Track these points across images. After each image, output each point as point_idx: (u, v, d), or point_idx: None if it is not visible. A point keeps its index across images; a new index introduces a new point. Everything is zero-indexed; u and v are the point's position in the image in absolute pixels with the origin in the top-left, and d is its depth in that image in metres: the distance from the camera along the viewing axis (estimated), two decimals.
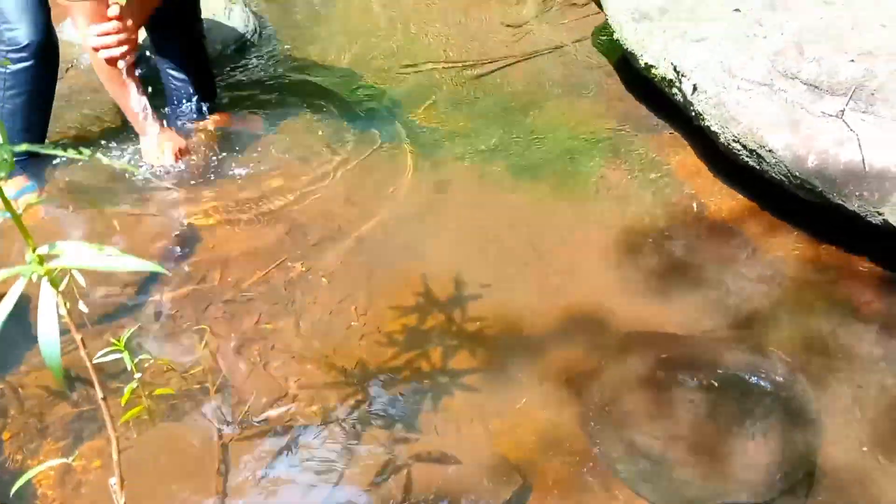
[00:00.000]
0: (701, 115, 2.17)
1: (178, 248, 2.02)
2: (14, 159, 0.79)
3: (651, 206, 2.14)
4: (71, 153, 0.81)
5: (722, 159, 2.20)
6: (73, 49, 2.70)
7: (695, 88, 2.17)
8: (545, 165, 2.32)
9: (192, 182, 2.21)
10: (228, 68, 2.83)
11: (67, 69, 2.69)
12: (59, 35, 2.17)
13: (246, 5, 3.13)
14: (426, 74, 2.80)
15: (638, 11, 2.44)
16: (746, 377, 1.60)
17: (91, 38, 1.98)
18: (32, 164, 2.20)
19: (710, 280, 1.88)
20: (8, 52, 2.03)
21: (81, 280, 0.90)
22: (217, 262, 1.95)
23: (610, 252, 1.98)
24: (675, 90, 2.30)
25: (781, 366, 1.63)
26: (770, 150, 1.94)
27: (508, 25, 3.14)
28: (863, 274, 1.87)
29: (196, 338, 1.73)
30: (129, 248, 2.00)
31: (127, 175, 2.20)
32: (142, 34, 2.55)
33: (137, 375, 1.35)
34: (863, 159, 1.78)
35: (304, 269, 1.93)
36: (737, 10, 2.22)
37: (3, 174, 0.76)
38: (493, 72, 2.81)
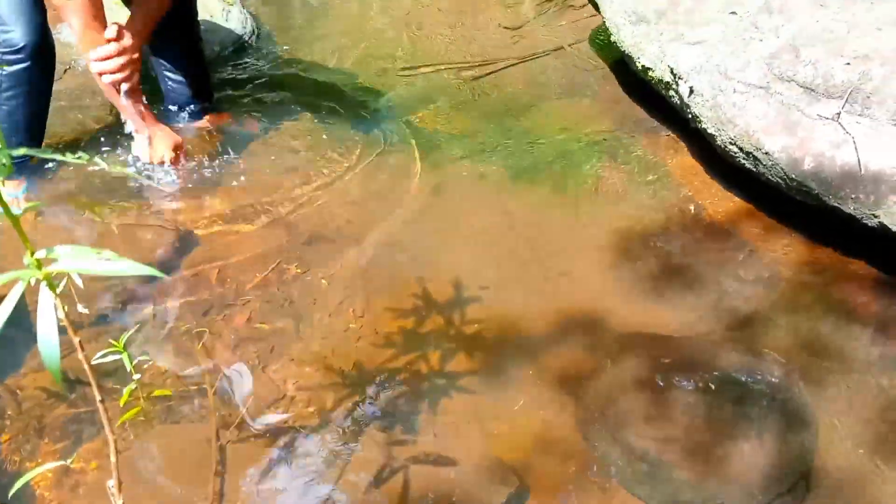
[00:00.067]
0: (698, 117, 2.18)
1: (176, 251, 2.02)
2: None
3: (649, 207, 2.14)
4: (69, 157, 0.82)
5: (719, 161, 2.21)
6: (70, 50, 2.70)
7: (691, 91, 2.18)
8: (543, 167, 2.33)
9: (190, 184, 2.21)
10: (226, 70, 2.83)
11: (65, 70, 2.69)
12: (55, 36, 2.17)
13: (244, 7, 3.14)
14: (424, 76, 2.81)
15: (635, 14, 2.45)
16: (743, 379, 1.61)
17: (92, 65, 1.97)
18: (29, 167, 2.20)
19: (708, 282, 1.89)
20: (4, 53, 2.03)
21: (79, 282, 0.90)
22: (215, 265, 1.95)
23: (607, 254, 1.99)
24: (672, 93, 2.31)
25: (778, 368, 1.64)
26: (766, 153, 1.94)
27: (507, 27, 3.14)
28: (859, 276, 1.87)
29: (194, 339, 1.73)
30: (127, 250, 2.00)
31: (124, 178, 2.20)
32: None
33: (136, 377, 1.36)
34: (858, 162, 1.79)
35: (301, 271, 1.93)
36: (733, 13, 2.23)
37: (0, 178, 0.77)
38: (491, 73, 2.81)
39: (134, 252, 1.99)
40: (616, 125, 2.50)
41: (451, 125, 2.53)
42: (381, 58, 2.94)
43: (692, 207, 2.14)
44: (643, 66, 2.41)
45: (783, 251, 1.96)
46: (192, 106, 2.43)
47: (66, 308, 0.83)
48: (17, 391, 1.61)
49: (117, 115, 2.23)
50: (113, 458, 0.98)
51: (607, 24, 2.61)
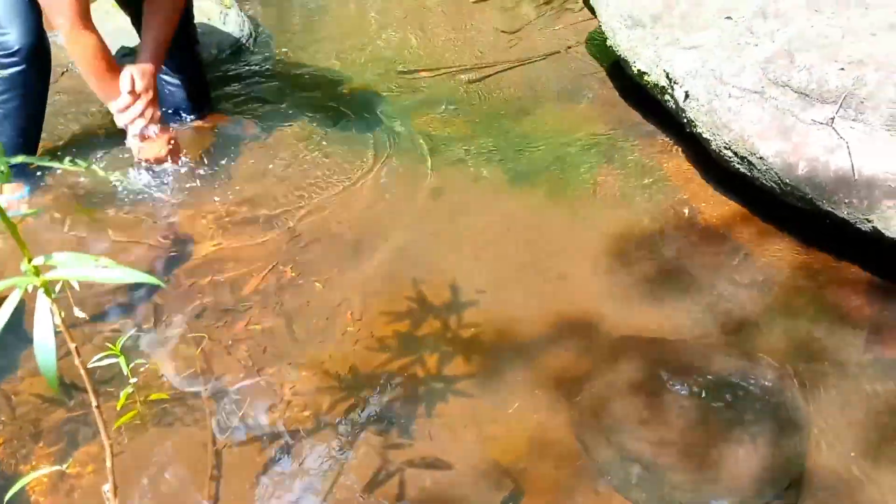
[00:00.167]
0: (693, 122, 2.19)
1: (173, 255, 2.02)
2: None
3: (644, 211, 2.15)
4: (67, 165, 0.82)
5: (714, 165, 2.22)
6: (66, 53, 2.70)
7: (687, 95, 2.19)
8: (539, 171, 2.33)
9: (187, 187, 2.21)
10: (223, 72, 2.83)
11: (62, 73, 2.69)
12: (51, 39, 2.17)
13: (241, 10, 3.14)
14: (421, 80, 2.81)
15: (631, 18, 2.46)
16: (737, 382, 1.61)
17: (117, 118, 2.03)
18: (28, 170, 2.20)
19: (702, 285, 1.90)
20: None
21: (76, 285, 0.91)
22: (211, 268, 1.95)
23: (603, 257, 1.99)
24: (667, 97, 2.32)
25: (771, 371, 1.65)
26: (761, 158, 1.95)
27: (504, 31, 3.15)
28: (852, 280, 1.88)
29: (190, 343, 1.73)
30: (123, 254, 2.00)
31: (121, 184, 2.20)
32: (134, 38, 2.57)
33: (133, 380, 1.36)
34: (852, 167, 1.80)
35: (297, 274, 1.94)
36: (728, 17, 2.24)
37: None
38: (488, 77, 2.82)
39: (131, 256, 1.99)
40: (612, 129, 2.51)
41: (449, 128, 2.54)
42: (379, 61, 2.95)
43: (687, 211, 2.15)
44: (639, 70, 2.42)
45: (777, 255, 1.97)
46: (189, 109, 2.43)
47: (62, 314, 0.84)
48: (13, 395, 1.61)
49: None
50: (109, 463, 0.98)
51: (603, 28, 2.62)
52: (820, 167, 1.84)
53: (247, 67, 2.89)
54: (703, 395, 1.59)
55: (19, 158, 0.83)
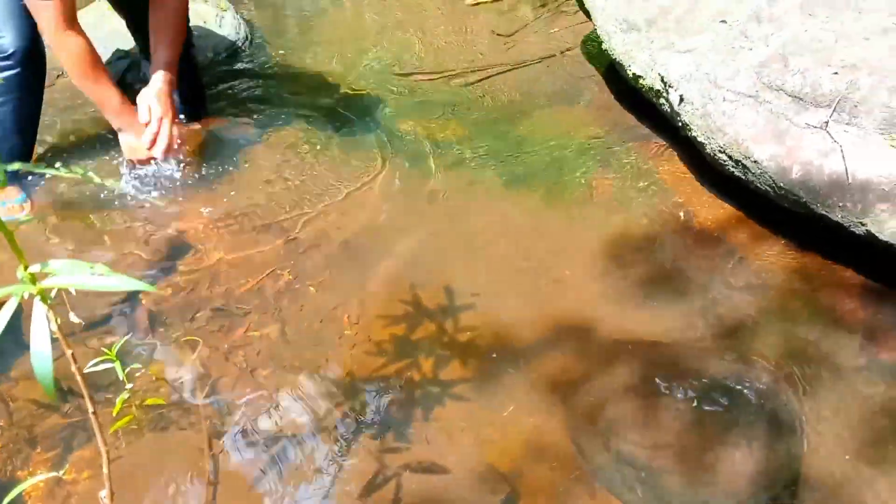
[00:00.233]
0: (687, 125, 2.20)
1: (168, 259, 2.02)
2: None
3: (640, 214, 2.16)
4: (63, 172, 0.82)
5: (709, 169, 2.23)
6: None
7: (681, 99, 2.20)
8: (535, 174, 2.34)
9: (182, 190, 2.21)
10: (219, 75, 2.83)
11: (58, 76, 2.69)
12: (47, 42, 2.16)
13: (237, 13, 3.14)
14: (416, 83, 2.82)
15: (626, 22, 2.46)
16: (732, 385, 1.62)
17: (153, 151, 2.08)
18: (20, 174, 2.20)
19: (697, 289, 1.91)
20: None
21: (73, 290, 0.91)
22: (207, 272, 1.95)
23: (599, 260, 2.00)
24: (662, 100, 2.33)
25: (766, 374, 1.65)
26: (755, 161, 1.96)
27: (500, 34, 3.16)
28: (846, 283, 1.89)
29: (186, 348, 1.73)
30: (119, 259, 2.00)
31: (116, 190, 2.20)
32: (130, 42, 2.57)
33: (129, 386, 1.36)
34: (846, 170, 1.81)
35: (293, 278, 1.94)
36: (723, 21, 2.25)
37: None
38: (484, 80, 2.83)
39: (126, 262, 1.99)
40: (608, 132, 2.52)
41: (445, 132, 2.54)
42: (376, 64, 2.95)
43: (682, 214, 2.16)
44: (634, 73, 2.42)
45: (772, 258, 1.98)
46: (184, 112, 2.43)
47: (59, 320, 0.84)
48: (9, 400, 1.61)
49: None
50: (105, 469, 0.98)
51: (599, 31, 2.63)
52: (814, 171, 1.85)
53: (243, 70, 2.89)
54: (699, 398, 1.59)
55: (16, 165, 0.83)
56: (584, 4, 2.76)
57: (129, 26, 2.44)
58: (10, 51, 2.02)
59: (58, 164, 0.85)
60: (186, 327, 1.79)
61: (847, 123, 1.84)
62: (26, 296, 0.78)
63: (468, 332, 1.78)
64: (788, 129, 1.92)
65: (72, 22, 1.95)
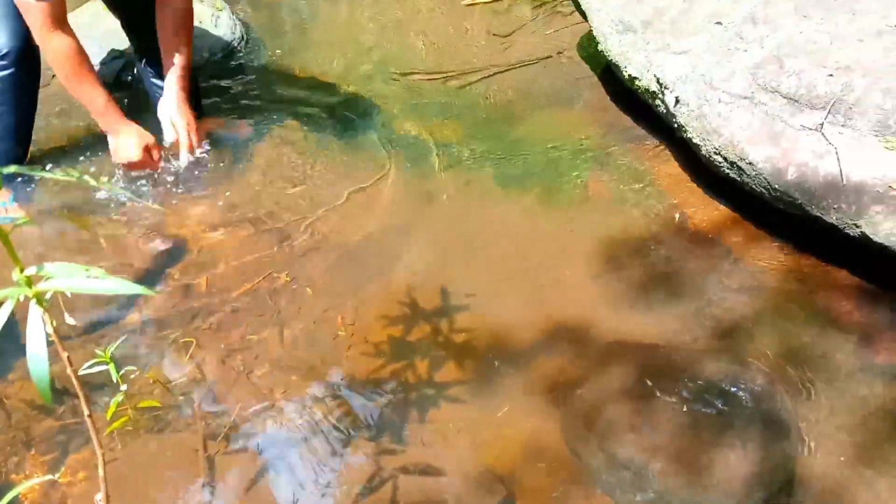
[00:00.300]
0: (683, 127, 2.20)
1: (164, 261, 2.02)
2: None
3: (635, 216, 2.16)
4: (58, 175, 0.82)
5: (704, 170, 2.24)
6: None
7: (677, 101, 2.20)
8: (531, 175, 2.34)
9: (179, 193, 2.21)
10: (215, 76, 2.83)
11: (53, 76, 2.68)
12: None
13: (233, 13, 3.14)
14: (413, 83, 2.82)
15: (622, 23, 2.47)
16: (727, 387, 1.62)
17: (182, 158, 2.17)
18: (14, 176, 2.19)
19: (693, 290, 1.91)
20: None
21: (68, 292, 0.91)
22: (203, 273, 1.95)
23: (594, 262, 2.00)
24: (658, 102, 2.34)
25: (761, 376, 1.66)
26: (750, 163, 1.97)
27: (496, 34, 3.16)
28: (841, 285, 1.90)
29: (181, 349, 1.73)
30: (114, 260, 1.99)
31: (113, 191, 2.19)
32: (125, 42, 2.56)
33: (123, 387, 1.36)
34: (841, 172, 1.81)
35: (289, 279, 1.94)
36: (718, 23, 2.25)
37: None
38: (480, 81, 2.83)
39: (121, 263, 1.99)
40: (604, 133, 2.52)
41: (439, 133, 2.54)
42: (370, 64, 2.94)
43: (678, 216, 2.16)
44: (630, 75, 2.43)
45: (767, 260, 1.99)
46: None
47: (54, 323, 0.84)
48: (5, 400, 1.61)
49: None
50: (101, 472, 0.98)
51: (595, 33, 2.63)
52: (809, 172, 1.86)
53: (238, 71, 2.89)
54: (694, 400, 1.60)
55: (11, 168, 0.83)
56: (580, 6, 2.76)
57: (123, 26, 2.43)
58: (5, 51, 2.02)
59: (50, 166, 0.85)
60: (182, 329, 1.79)
61: (842, 125, 1.85)
62: (22, 298, 0.78)
63: (465, 334, 1.78)
64: (783, 130, 1.93)
65: (60, 22, 1.95)
